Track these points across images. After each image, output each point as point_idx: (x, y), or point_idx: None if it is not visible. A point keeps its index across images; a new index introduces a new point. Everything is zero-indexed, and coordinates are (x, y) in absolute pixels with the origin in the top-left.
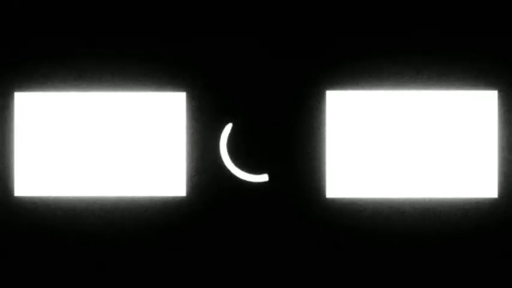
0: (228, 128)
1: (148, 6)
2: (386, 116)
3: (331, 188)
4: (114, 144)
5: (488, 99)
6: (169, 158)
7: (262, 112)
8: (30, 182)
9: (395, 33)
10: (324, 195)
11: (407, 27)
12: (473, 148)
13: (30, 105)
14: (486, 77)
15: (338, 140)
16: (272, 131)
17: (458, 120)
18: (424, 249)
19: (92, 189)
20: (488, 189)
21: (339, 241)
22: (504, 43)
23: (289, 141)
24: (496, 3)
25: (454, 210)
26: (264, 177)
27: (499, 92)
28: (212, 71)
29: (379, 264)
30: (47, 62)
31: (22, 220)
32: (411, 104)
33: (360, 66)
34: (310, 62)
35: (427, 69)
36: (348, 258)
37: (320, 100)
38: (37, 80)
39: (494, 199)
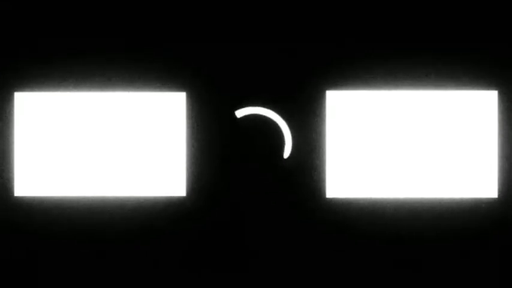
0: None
1: (148, 6)
2: (386, 116)
3: (331, 188)
4: (114, 144)
5: (488, 99)
6: (169, 158)
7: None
8: (30, 182)
9: (395, 33)
10: (324, 195)
11: (407, 28)
12: (473, 148)
13: (30, 105)
14: (486, 77)
15: (338, 140)
16: (272, 131)
17: (458, 120)
18: (424, 249)
19: (92, 189)
20: (488, 189)
21: (339, 241)
22: (504, 44)
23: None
24: (496, 4)
25: (454, 210)
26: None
27: (499, 92)
28: (212, 71)
29: (379, 264)
30: (47, 62)
31: (22, 220)
32: (411, 104)
33: (360, 66)
34: (310, 62)
35: (427, 69)
36: (348, 258)
37: (320, 100)
38: (37, 80)
39: (494, 199)
